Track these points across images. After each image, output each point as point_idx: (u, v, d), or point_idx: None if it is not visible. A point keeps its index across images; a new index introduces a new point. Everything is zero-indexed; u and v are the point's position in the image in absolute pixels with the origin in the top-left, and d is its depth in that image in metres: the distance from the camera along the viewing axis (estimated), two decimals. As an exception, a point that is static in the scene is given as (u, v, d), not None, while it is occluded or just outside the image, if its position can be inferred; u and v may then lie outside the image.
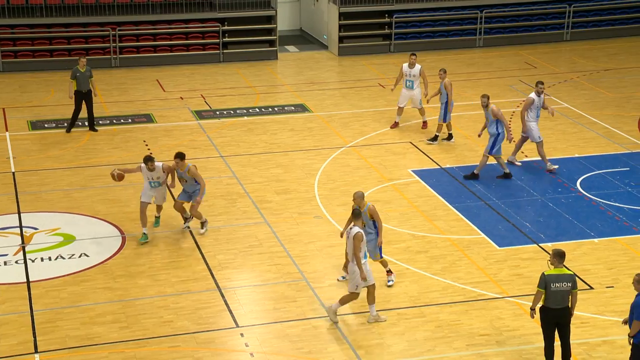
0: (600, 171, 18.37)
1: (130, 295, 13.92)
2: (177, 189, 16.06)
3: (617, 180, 18.01)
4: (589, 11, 28.85)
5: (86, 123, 20.57)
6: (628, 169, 18.57)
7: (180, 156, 15.44)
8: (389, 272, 14.22)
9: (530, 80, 24.45)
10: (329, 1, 27.52)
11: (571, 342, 11.96)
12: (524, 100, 19.43)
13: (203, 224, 15.92)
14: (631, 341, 11.30)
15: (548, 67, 25.84)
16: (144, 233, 15.52)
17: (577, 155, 19.34)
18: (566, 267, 11.82)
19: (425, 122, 20.78)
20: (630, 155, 19.29)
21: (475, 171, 18.14)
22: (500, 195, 17.44)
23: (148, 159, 15.36)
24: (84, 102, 20.20)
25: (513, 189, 17.74)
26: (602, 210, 16.82)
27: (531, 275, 14.46)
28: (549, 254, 14.99)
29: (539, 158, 18.67)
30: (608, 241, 15.67)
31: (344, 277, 14.23)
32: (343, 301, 13.10)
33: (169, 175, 15.68)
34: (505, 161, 18.34)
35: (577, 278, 11.98)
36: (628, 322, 11.44)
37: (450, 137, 20.11)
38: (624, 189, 17.66)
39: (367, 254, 13.18)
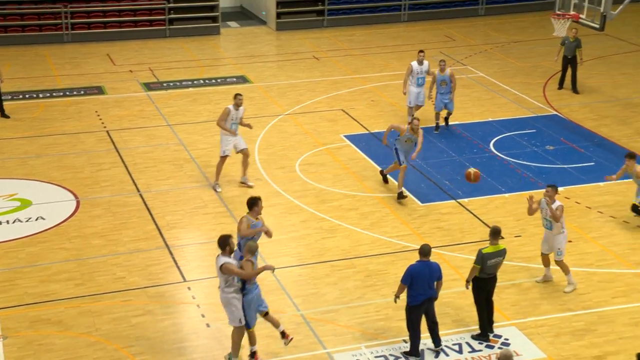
0: (510, 133, 18.46)
1: (85, 254, 13.59)
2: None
3: (525, 141, 18.13)
4: (501, -12, 28.87)
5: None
6: (534, 130, 18.70)
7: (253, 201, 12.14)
8: None
9: (450, 52, 24.41)
10: (267, -20, 27.03)
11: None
12: None
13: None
14: (397, 300, 11.15)
15: (465, 40, 25.82)
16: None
17: (490, 119, 19.40)
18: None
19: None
20: (536, 119, 19.43)
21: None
22: (422, 156, 17.40)
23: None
24: None
25: (434, 150, 17.72)
26: (511, 168, 16.93)
27: (450, 227, 14.51)
28: (466, 209, 15.13)
29: (456, 122, 18.66)
30: (517, 196, 15.76)
31: None
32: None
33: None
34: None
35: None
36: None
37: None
38: (530, 148, 17.79)
39: None
